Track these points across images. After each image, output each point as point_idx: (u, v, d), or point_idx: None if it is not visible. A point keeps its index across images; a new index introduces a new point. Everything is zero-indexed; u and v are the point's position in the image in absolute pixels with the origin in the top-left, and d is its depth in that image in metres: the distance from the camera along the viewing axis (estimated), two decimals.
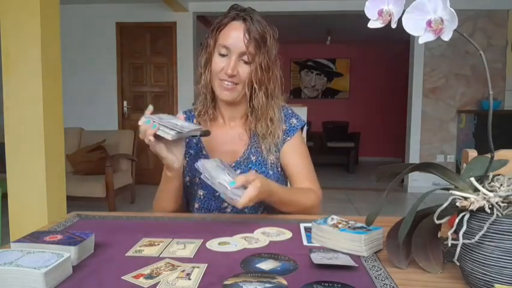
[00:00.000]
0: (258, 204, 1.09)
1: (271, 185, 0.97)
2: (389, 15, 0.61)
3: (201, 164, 0.92)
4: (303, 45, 7.92)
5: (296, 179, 1.13)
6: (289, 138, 1.15)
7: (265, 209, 1.10)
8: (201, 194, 1.12)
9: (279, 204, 1.03)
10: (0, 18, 2.09)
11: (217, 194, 1.06)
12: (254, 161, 1.11)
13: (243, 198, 0.86)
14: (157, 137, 0.92)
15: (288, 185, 1.18)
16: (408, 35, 0.74)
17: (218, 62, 1.06)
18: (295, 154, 1.14)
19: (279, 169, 1.15)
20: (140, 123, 0.92)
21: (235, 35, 1.04)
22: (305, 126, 1.21)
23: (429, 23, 0.57)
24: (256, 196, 0.87)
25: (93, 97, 5.38)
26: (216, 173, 0.90)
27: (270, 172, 1.11)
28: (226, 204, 1.10)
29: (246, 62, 1.06)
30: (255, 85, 1.08)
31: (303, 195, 1.08)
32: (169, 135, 0.90)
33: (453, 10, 0.55)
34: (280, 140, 1.13)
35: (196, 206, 1.13)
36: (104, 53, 5.34)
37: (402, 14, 0.59)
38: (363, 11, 0.63)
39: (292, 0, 5.05)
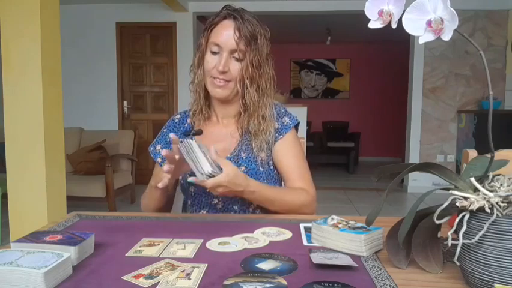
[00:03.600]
0: (248, 202, 1.10)
1: (250, 181, 0.98)
2: (389, 16, 0.61)
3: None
4: (303, 45, 7.91)
5: (289, 178, 1.13)
6: (281, 136, 1.15)
7: (258, 207, 1.11)
8: (192, 190, 1.15)
9: (263, 202, 1.04)
10: (0, 18, 2.09)
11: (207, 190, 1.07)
12: (244, 157, 1.12)
13: (210, 180, 0.88)
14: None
15: (282, 184, 1.18)
16: (408, 35, 0.74)
17: (210, 60, 1.09)
18: (288, 153, 1.14)
19: (271, 166, 1.15)
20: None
21: (226, 33, 1.07)
22: (299, 125, 1.21)
23: (429, 23, 0.57)
24: (225, 182, 0.89)
25: (93, 97, 5.38)
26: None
27: (261, 169, 1.11)
28: (216, 201, 1.13)
29: (237, 59, 1.08)
30: (246, 82, 1.09)
31: (291, 194, 1.08)
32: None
33: (453, 10, 0.55)
34: (272, 137, 1.14)
35: (189, 202, 1.17)
36: (104, 53, 5.34)
37: (402, 14, 0.60)
38: (363, 11, 0.63)
39: (292, 0, 5.05)
